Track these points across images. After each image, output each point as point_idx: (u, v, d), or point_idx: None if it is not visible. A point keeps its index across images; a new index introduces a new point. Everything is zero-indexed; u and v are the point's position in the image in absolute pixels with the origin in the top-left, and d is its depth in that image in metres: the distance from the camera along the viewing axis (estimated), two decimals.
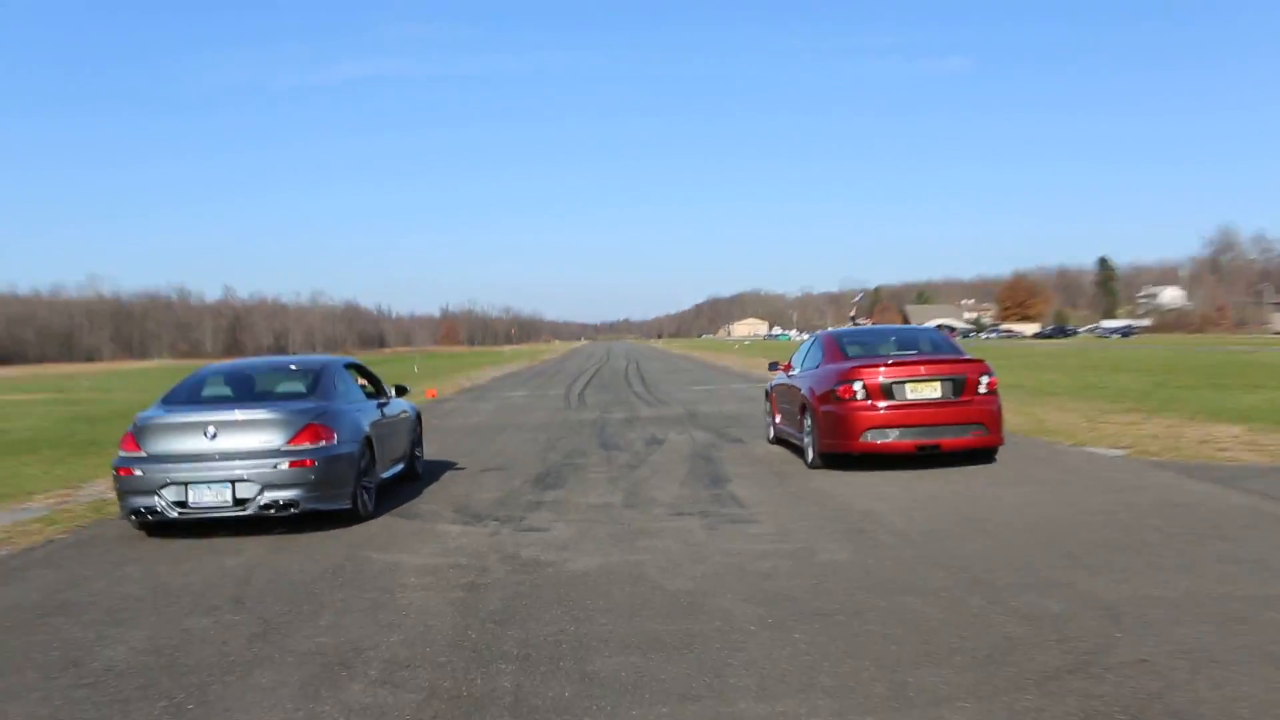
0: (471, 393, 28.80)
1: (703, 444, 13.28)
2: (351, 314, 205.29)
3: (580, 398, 24.32)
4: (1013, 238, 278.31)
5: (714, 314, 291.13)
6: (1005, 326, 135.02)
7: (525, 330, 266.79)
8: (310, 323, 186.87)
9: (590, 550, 6.90)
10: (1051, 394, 19.65)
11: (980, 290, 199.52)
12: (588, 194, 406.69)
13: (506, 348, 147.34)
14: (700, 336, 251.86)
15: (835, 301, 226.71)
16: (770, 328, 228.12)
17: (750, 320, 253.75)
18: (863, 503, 8.35)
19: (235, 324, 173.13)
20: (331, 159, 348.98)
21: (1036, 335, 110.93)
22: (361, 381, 9.58)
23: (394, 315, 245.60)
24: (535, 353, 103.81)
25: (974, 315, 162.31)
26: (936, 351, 10.48)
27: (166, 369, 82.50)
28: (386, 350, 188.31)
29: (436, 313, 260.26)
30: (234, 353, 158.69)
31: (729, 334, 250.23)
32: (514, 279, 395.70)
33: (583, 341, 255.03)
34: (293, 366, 8.78)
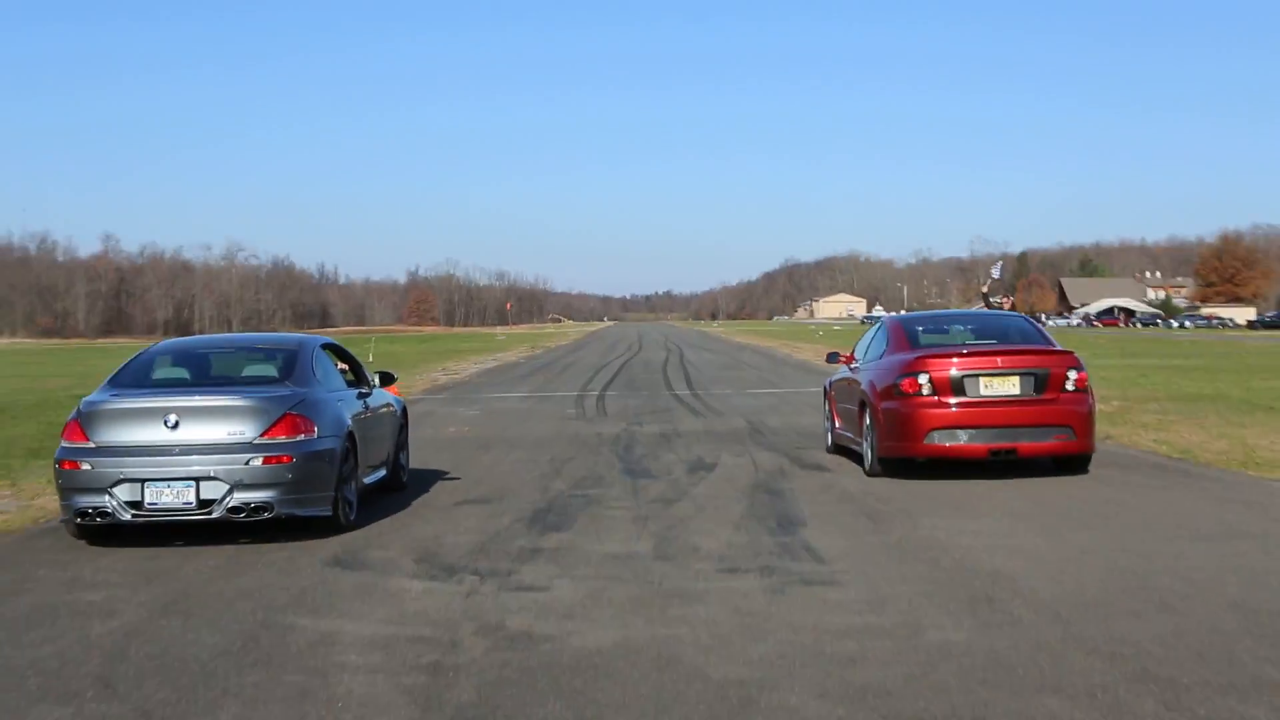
0: (448, 392, 29.00)
1: (768, 470, 13.32)
2: (282, 277, 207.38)
3: (599, 403, 24.39)
4: (1219, 187, 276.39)
5: (791, 287, 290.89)
6: (1208, 311, 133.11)
7: (526, 305, 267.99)
8: (224, 289, 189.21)
9: (605, 620, 6.94)
10: (1271, 409, 19.42)
11: (1171, 258, 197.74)
12: (615, 124, 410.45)
13: (499, 330, 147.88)
14: (772, 319, 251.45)
15: (963, 271, 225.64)
16: (870, 306, 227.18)
17: (841, 296, 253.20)
18: (991, 558, 8.32)
19: (120, 289, 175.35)
20: (260, 69, 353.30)
21: (1253, 324, 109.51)
22: (341, 366, 10.71)
23: (342, 280, 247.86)
24: (538, 337, 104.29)
25: (1160, 294, 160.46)
26: (1020, 341, 12.25)
27: (20, 351, 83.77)
28: (330, 330, 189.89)
29: (402, 278, 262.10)
30: (117, 330, 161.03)
31: (811, 314, 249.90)
32: (512, 235, 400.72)
33: (605, 322, 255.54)
34: (260, 346, 10.06)
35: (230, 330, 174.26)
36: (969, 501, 10.87)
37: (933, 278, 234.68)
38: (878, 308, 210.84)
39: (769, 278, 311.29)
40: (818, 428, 17.96)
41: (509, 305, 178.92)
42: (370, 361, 46.81)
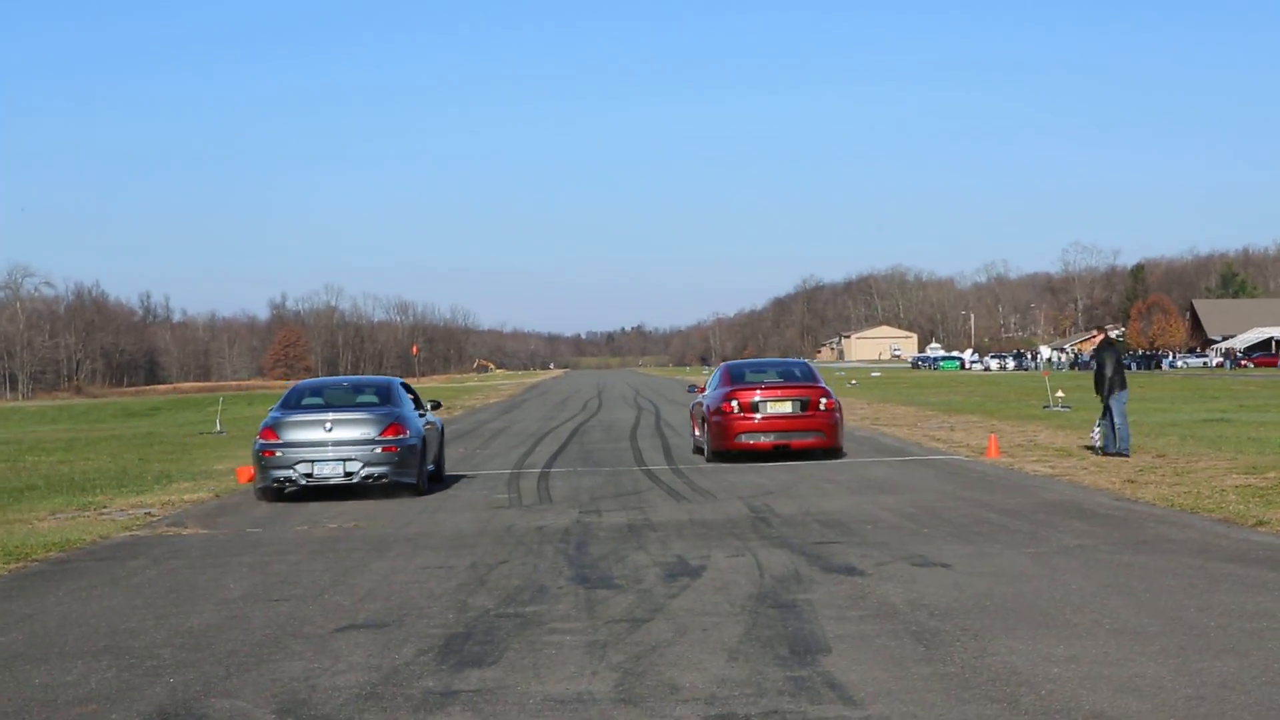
0: None
1: (778, 575, 13.39)
2: (89, 314, 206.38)
3: (541, 484, 24.42)
4: None
5: (812, 317, 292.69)
6: None
7: (440, 348, 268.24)
8: (3, 329, 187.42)
9: None
10: None
11: None
12: (565, 117, 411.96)
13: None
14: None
15: (1053, 291, 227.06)
16: (925, 343, 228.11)
17: (882, 330, 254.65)
18: (1093, 695, 8.40)
19: None
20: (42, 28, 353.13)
21: None
22: (410, 396, 23.99)
23: (177, 316, 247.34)
24: (457, 392, 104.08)
25: None
26: (796, 380, 27.60)
27: None
28: (163, 387, 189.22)
29: (262, 313, 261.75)
30: None
31: (841, 355, 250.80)
32: (418, 254, 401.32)
33: (553, 370, 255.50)
34: (364, 383, 24.23)
35: (11, 388, 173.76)
36: (1059, 613, 10.96)
37: (1011, 301, 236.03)
38: (934, 345, 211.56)
39: (780, 306, 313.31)
40: (846, 514, 18.19)
41: (415, 349, 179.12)
42: (218, 430, 47.23)
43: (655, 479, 24.71)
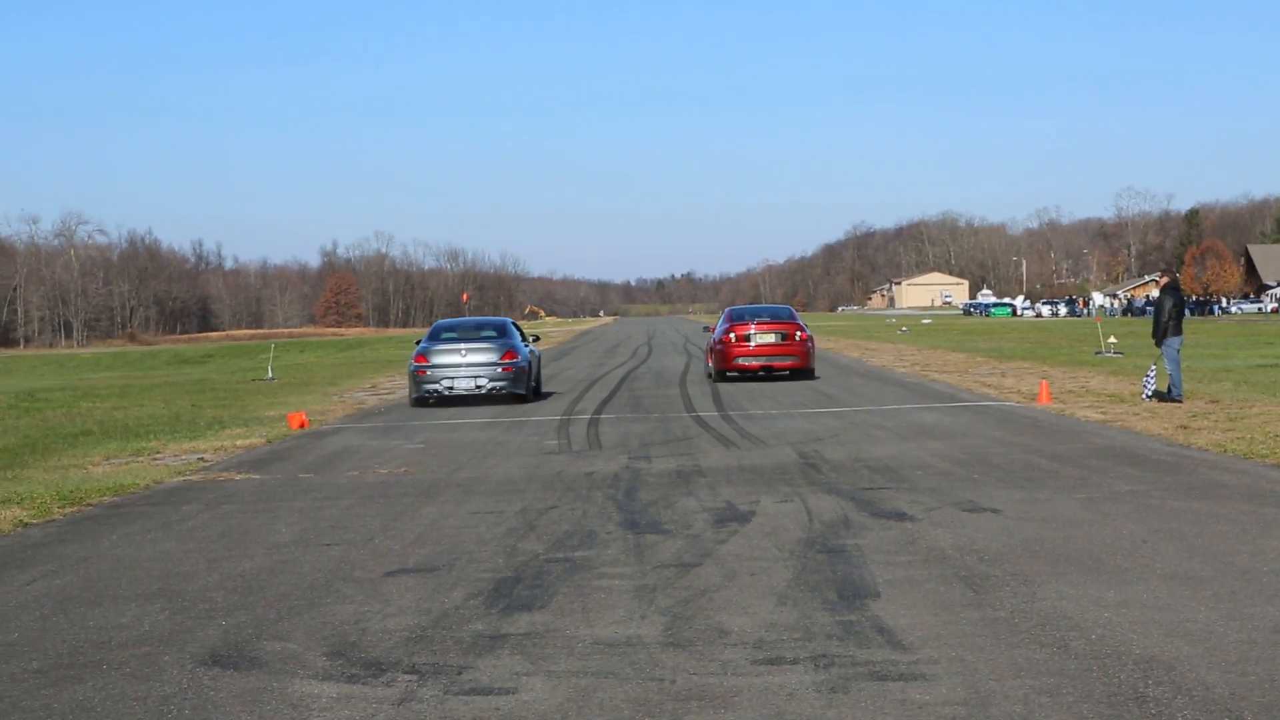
0: (378, 419, 29.11)
1: (827, 520, 13.40)
2: (143, 261, 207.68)
3: (591, 430, 24.48)
4: None
5: (862, 264, 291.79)
6: None
7: (490, 296, 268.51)
8: (58, 277, 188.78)
9: None
10: None
11: None
12: (609, 56, 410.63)
13: None
14: (837, 310, 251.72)
15: (1106, 237, 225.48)
16: (975, 290, 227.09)
17: (934, 277, 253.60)
18: (1144, 639, 8.38)
19: None
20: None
21: None
22: (519, 332, 34.27)
23: (229, 264, 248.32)
24: None
25: None
26: (780, 318, 37.76)
27: None
28: (216, 335, 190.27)
29: (314, 261, 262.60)
30: None
31: (891, 303, 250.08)
32: (468, 200, 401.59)
33: (603, 318, 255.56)
34: (485, 322, 34.98)
35: (66, 336, 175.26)
36: (1110, 558, 10.94)
37: (1063, 246, 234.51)
38: (986, 291, 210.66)
39: (831, 252, 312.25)
40: (896, 460, 18.20)
41: (465, 296, 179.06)
42: (270, 377, 47.47)
43: (705, 425, 24.71)
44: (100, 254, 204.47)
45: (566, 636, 9.03)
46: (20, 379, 69.46)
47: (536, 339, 36.06)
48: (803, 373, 37.08)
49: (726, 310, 39.71)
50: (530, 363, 32.68)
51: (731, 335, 36.85)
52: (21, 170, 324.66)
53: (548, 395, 34.59)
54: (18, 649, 9.18)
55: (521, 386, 31.82)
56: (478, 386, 31.40)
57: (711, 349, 38.33)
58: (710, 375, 38.53)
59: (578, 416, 27.59)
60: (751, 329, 36.82)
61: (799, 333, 37.12)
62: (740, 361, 36.60)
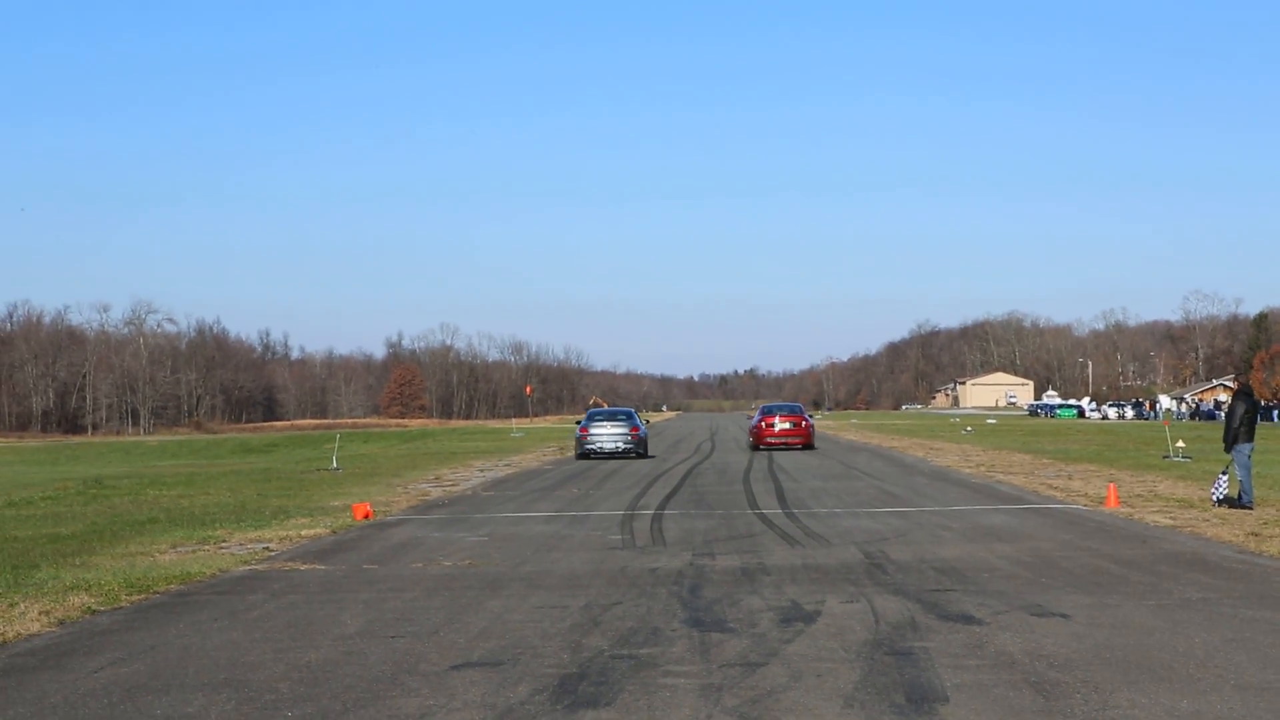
0: (442, 510, 29.16)
1: (894, 622, 13.32)
2: (210, 350, 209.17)
3: (654, 526, 24.45)
4: None
5: (927, 363, 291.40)
6: None
7: (553, 388, 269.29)
8: (127, 365, 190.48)
9: None
10: None
11: None
12: (674, 145, 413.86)
13: (515, 423, 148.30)
14: (901, 408, 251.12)
15: (1173, 340, 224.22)
16: (1041, 390, 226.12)
17: (998, 377, 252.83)
18: None
19: None
20: (179, 89, 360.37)
21: None
22: (639, 416, 62.66)
23: (295, 354, 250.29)
24: (570, 433, 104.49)
25: None
26: (793, 412, 62.89)
27: None
28: (281, 424, 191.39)
29: (379, 351, 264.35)
30: None
31: (956, 402, 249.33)
32: (532, 294, 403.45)
33: (665, 413, 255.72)
34: (620, 409, 63.04)
35: (134, 423, 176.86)
36: (1183, 667, 10.82)
37: (1130, 349, 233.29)
38: (1051, 392, 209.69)
39: (895, 351, 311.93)
40: (962, 562, 18.10)
41: (529, 389, 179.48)
42: (334, 467, 47.76)
43: (769, 523, 24.63)
44: (169, 342, 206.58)
45: None
46: (88, 465, 70.03)
47: (648, 422, 68.80)
48: (807, 446, 59.45)
49: (761, 407, 67.12)
50: (645, 434, 56.43)
51: (763, 423, 60.14)
52: (94, 258, 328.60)
53: (652, 456, 55.77)
54: None
55: (640, 449, 54.24)
56: (615, 447, 53.56)
57: (751, 430, 61.96)
58: (751, 446, 61.18)
59: (641, 512, 27.54)
60: (776, 419, 60.19)
61: (804, 421, 60.31)
62: (768, 439, 59.26)
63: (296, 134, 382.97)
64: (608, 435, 53.77)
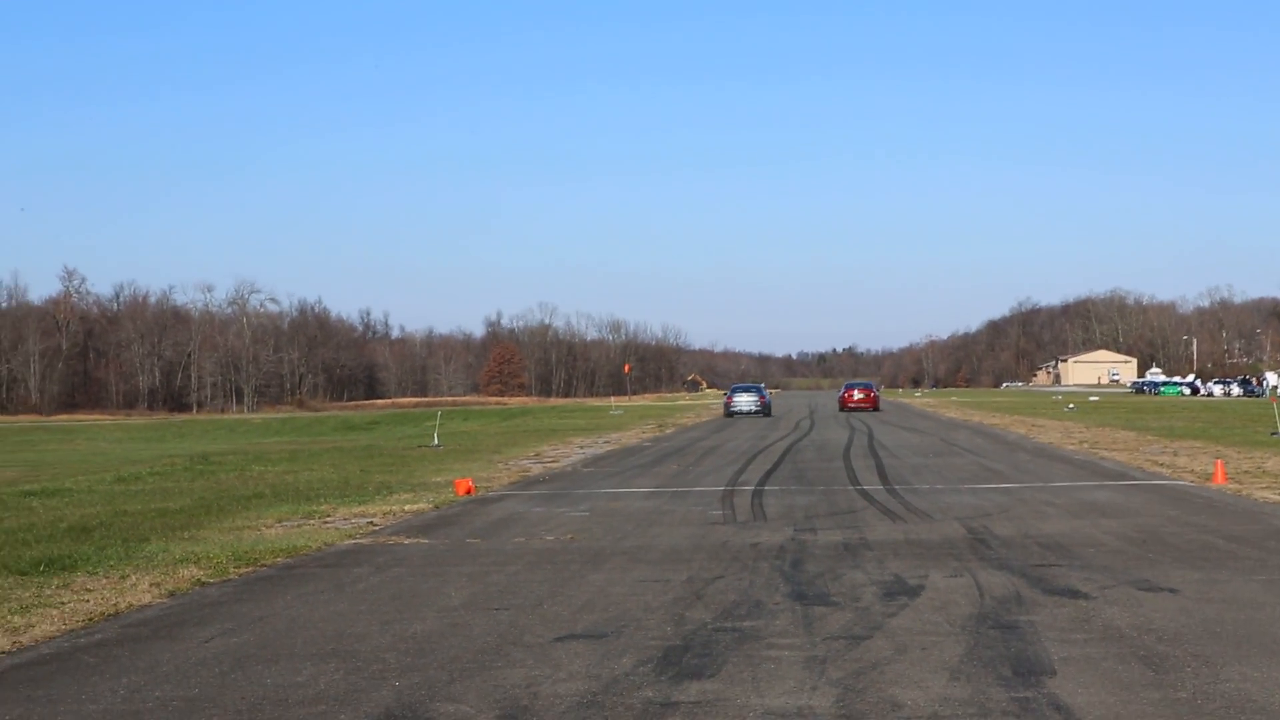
0: (543, 486, 29.34)
1: (998, 596, 13.26)
2: (312, 329, 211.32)
3: (755, 502, 24.46)
4: None
5: (1028, 341, 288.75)
6: None
7: (651, 367, 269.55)
8: (230, 344, 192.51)
9: None
10: None
11: None
12: (772, 122, 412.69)
13: (614, 401, 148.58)
14: (1001, 386, 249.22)
15: (1279, 315, 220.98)
16: (1144, 367, 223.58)
17: (1100, 354, 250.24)
18: None
19: (87, 346, 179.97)
20: (276, 70, 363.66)
21: None
22: (767, 389, 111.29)
23: (395, 333, 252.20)
24: (669, 410, 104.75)
25: None
26: (864, 386, 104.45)
27: None
28: (382, 402, 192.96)
29: (478, 330, 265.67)
30: (83, 402, 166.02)
31: (1057, 379, 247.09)
32: (631, 272, 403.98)
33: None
34: (753, 383, 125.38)
35: (237, 401, 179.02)
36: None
37: (1236, 326, 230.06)
38: (1155, 370, 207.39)
39: (995, 329, 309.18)
40: (1066, 537, 18.01)
41: (627, 368, 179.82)
42: (436, 444, 48.07)
43: (870, 498, 24.56)
44: (271, 322, 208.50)
45: (737, 705, 9.04)
46: (194, 442, 71.00)
47: (773, 389, 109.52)
48: (875, 409, 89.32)
49: (846, 383, 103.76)
50: (770, 401, 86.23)
51: (846, 394, 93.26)
52: (199, 240, 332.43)
53: (776, 417, 79.43)
54: (198, 704, 9.39)
55: (767, 410, 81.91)
56: (751, 409, 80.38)
57: (839, 399, 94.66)
58: (840, 409, 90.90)
59: (741, 488, 27.55)
60: (854, 391, 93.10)
61: (872, 393, 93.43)
62: (849, 405, 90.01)
63: (395, 107, 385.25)
64: (745, 401, 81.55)
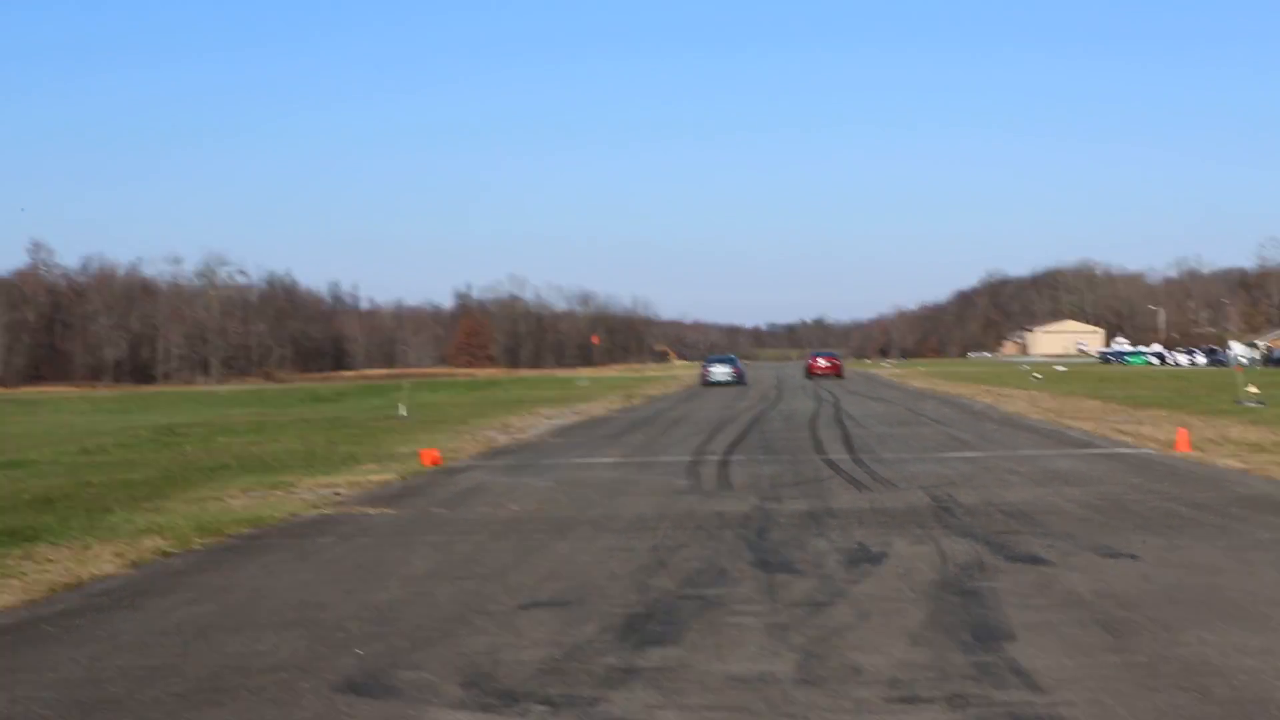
0: (509, 456, 29.31)
1: (961, 563, 13.33)
2: (280, 301, 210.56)
3: (721, 471, 24.50)
4: None
5: (996, 311, 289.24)
6: None
7: (620, 338, 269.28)
8: (198, 317, 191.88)
9: None
10: None
11: None
12: (741, 89, 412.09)
13: (582, 372, 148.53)
14: (968, 356, 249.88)
15: (1246, 287, 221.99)
16: (1110, 338, 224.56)
17: (1068, 324, 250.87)
18: None
19: (53, 319, 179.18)
20: (247, 46, 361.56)
21: None
22: (739, 360, 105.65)
23: (364, 305, 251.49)
24: (636, 381, 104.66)
25: None
26: (829, 355, 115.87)
27: None
28: (349, 373, 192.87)
29: (447, 302, 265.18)
30: (48, 374, 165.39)
31: (1024, 350, 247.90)
32: (599, 244, 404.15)
33: None
34: (728, 355, 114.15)
35: (204, 373, 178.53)
36: (1253, 606, 10.78)
37: (1203, 296, 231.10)
38: (1120, 339, 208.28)
39: (964, 299, 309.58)
40: (1030, 505, 18.07)
41: (595, 339, 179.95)
42: (402, 414, 48.00)
43: (836, 468, 24.62)
44: (239, 294, 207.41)
45: (699, 671, 9.06)
46: (160, 414, 70.64)
47: (744, 360, 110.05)
48: (838, 376, 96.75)
49: (812, 352, 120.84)
50: (744, 371, 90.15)
51: (811, 362, 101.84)
52: (167, 212, 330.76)
53: (749, 386, 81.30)
54: (160, 673, 9.38)
55: (742, 381, 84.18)
56: (724, 378, 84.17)
57: (805, 367, 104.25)
58: (805, 375, 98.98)
59: (707, 457, 27.58)
60: (820, 359, 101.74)
61: (836, 361, 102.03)
62: (814, 372, 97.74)
63: (363, 81, 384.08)
64: (721, 371, 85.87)
